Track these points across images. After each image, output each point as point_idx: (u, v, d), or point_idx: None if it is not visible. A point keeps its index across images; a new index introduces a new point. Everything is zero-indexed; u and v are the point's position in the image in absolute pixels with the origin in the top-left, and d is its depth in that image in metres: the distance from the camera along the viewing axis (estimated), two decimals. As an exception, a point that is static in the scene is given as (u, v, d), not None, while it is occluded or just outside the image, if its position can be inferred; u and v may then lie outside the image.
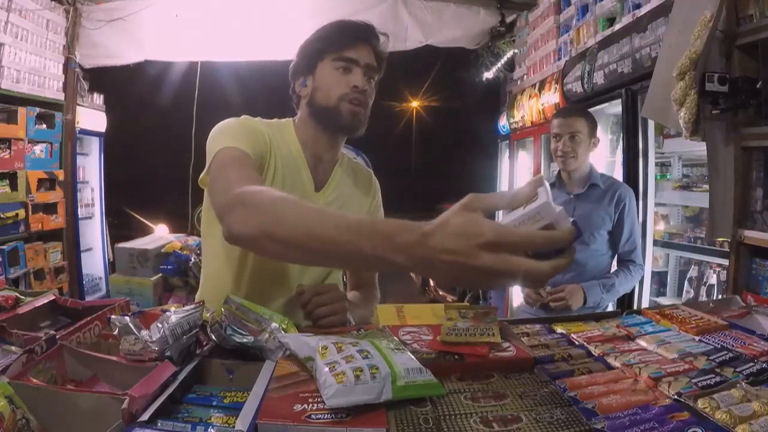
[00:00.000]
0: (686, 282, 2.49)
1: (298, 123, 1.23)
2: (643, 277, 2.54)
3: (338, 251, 0.70)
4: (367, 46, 1.18)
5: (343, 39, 1.17)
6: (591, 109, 3.04)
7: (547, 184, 0.65)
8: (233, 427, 0.63)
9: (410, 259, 0.64)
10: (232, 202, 0.85)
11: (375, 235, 0.66)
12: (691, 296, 2.40)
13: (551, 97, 3.45)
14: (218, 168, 1.01)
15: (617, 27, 2.64)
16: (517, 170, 4.51)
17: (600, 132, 3.14)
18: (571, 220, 0.61)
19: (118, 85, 5.60)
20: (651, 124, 2.50)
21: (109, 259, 4.70)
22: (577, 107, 2.75)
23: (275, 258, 0.83)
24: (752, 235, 1.67)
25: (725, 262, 1.97)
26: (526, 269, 0.59)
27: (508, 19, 4.22)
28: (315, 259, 0.85)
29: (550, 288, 2.02)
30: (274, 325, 0.87)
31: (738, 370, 0.79)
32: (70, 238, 4.10)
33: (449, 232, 0.61)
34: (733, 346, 0.89)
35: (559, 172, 2.17)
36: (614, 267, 2.13)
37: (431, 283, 6.17)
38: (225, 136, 1.09)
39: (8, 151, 3.38)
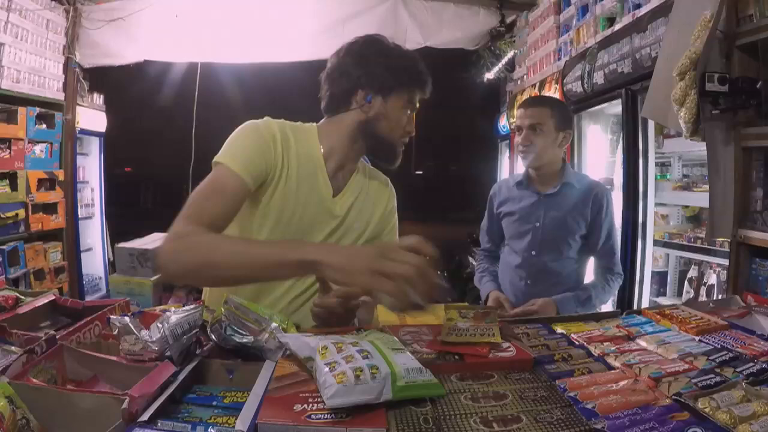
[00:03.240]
0: (686, 282, 2.48)
1: (325, 130, 1.23)
2: (643, 277, 2.54)
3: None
4: None
5: (421, 84, 1.20)
6: (591, 109, 3.04)
7: None
8: (233, 427, 0.63)
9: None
10: (170, 236, 0.98)
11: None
12: (691, 296, 2.40)
13: (551, 97, 3.45)
14: (205, 189, 1.07)
15: (617, 27, 2.64)
16: (516, 170, 4.51)
17: (600, 132, 3.15)
18: None
19: (118, 85, 5.59)
20: (651, 124, 2.49)
21: (109, 259, 4.70)
22: (546, 97, 2.62)
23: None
24: (752, 235, 1.67)
25: (725, 262, 1.97)
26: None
27: (508, 20, 4.22)
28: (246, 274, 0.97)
29: (517, 307, 1.76)
30: (274, 325, 0.87)
31: (738, 370, 0.79)
32: (70, 238, 4.09)
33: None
34: (733, 346, 0.89)
35: (526, 169, 1.92)
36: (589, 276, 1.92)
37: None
38: (234, 148, 1.12)
39: (8, 151, 3.37)
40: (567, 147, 1.94)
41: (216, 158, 1.09)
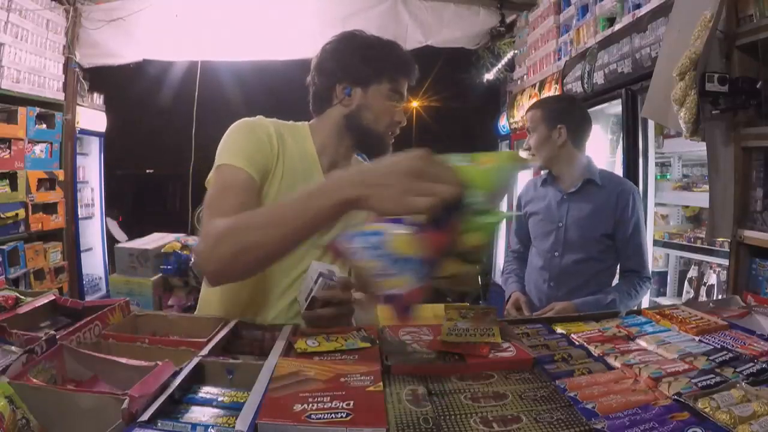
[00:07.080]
0: (686, 282, 2.48)
1: (317, 127, 1.23)
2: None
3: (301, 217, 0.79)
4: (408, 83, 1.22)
5: (403, 71, 1.19)
6: (591, 109, 3.03)
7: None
8: (233, 427, 0.63)
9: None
10: (200, 239, 0.95)
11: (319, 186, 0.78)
12: (691, 296, 2.40)
13: (551, 97, 3.45)
14: (216, 190, 1.04)
15: (617, 27, 2.64)
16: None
17: (600, 132, 3.15)
18: None
19: (118, 85, 5.58)
20: (651, 124, 2.49)
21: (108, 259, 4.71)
22: (541, 99, 2.60)
23: (250, 270, 0.92)
24: (752, 235, 1.67)
25: (725, 262, 1.97)
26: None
27: (508, 20, 4.22)
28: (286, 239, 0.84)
29: (537, 311, 1.76)
30: None
31: (738, 370, 0.79)
32: (70, 238, 4.09)
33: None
34: (733, 346, 0.89)
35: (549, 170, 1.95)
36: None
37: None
38: (232, 147, 1.10)
39: (8, 151, 3.37)
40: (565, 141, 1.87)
41: (217, 161, 1.08)
